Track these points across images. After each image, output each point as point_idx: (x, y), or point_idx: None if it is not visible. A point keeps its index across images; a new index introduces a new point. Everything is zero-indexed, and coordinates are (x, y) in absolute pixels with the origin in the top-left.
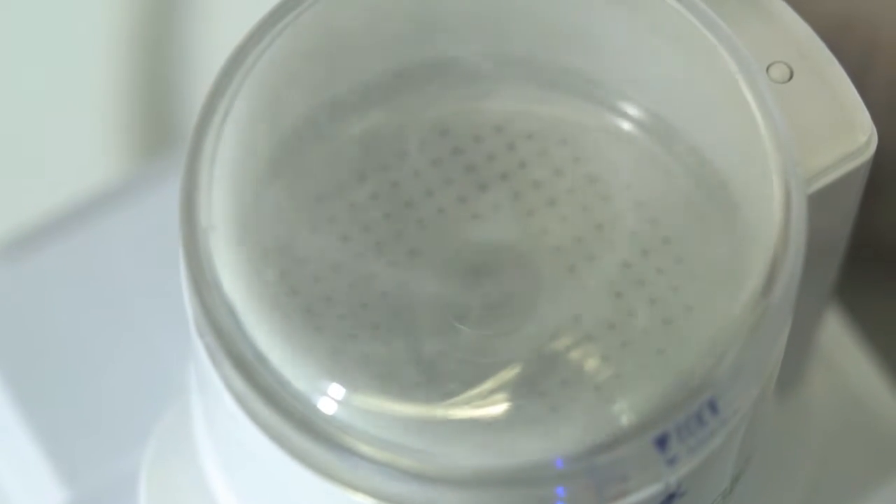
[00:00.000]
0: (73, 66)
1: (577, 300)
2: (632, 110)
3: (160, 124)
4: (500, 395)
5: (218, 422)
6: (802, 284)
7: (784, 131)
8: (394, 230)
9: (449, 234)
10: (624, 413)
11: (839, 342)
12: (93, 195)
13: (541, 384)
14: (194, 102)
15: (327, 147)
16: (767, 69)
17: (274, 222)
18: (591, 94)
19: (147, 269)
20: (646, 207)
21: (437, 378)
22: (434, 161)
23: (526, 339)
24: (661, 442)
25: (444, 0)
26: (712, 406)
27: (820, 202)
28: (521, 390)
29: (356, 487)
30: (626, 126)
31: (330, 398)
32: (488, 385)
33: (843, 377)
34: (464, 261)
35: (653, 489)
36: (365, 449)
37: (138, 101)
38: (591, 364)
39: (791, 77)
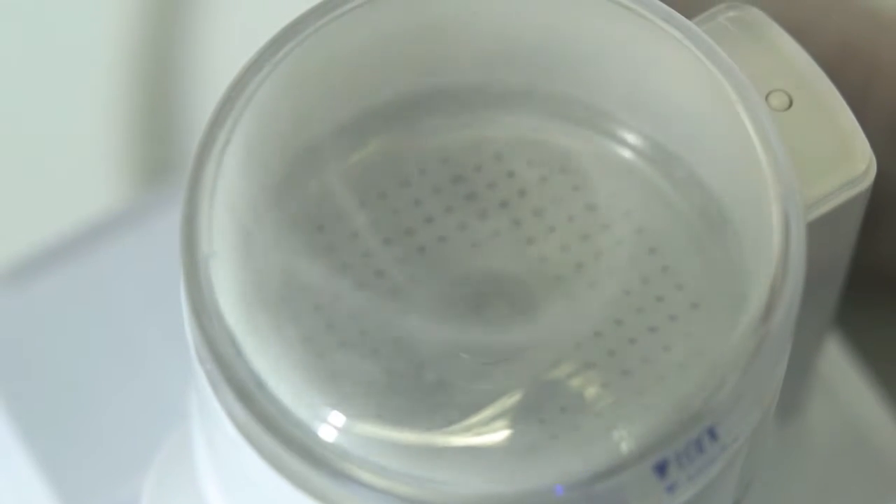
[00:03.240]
0: (74, 91)
1: (577, 328)
2: (631, 138)
3: (161, 151)
4: (500, 423)
5: (219, 449)
6: (802, 311)
7: (783, 159)
8: (394, 258)
9: (449, 262)
10: (624, 440)
11: (839, 369)
12: (94, 222)
13: (541, 411)
14: (196, 130)
15: (328, 175)
16: (767, 97)
17: (274, 250)
18: (591, 121)
19: (148, 296)
20: (645, 235)
21: (437, 405)
22: (434, 189)
23: (526, 367)
24: (661, 469)
25: (445, 29)
26: (712, 433)
27: (820, 229)
28: (521, 417)
29: None
30: (625, 154)
31: (330, 425)
32: (488, 412)
33: (843, 404)
34: (464, 288)
35: None
36: (365, 476)
37: (138, 128)
38: (591, 391)
39: (790, 105)
